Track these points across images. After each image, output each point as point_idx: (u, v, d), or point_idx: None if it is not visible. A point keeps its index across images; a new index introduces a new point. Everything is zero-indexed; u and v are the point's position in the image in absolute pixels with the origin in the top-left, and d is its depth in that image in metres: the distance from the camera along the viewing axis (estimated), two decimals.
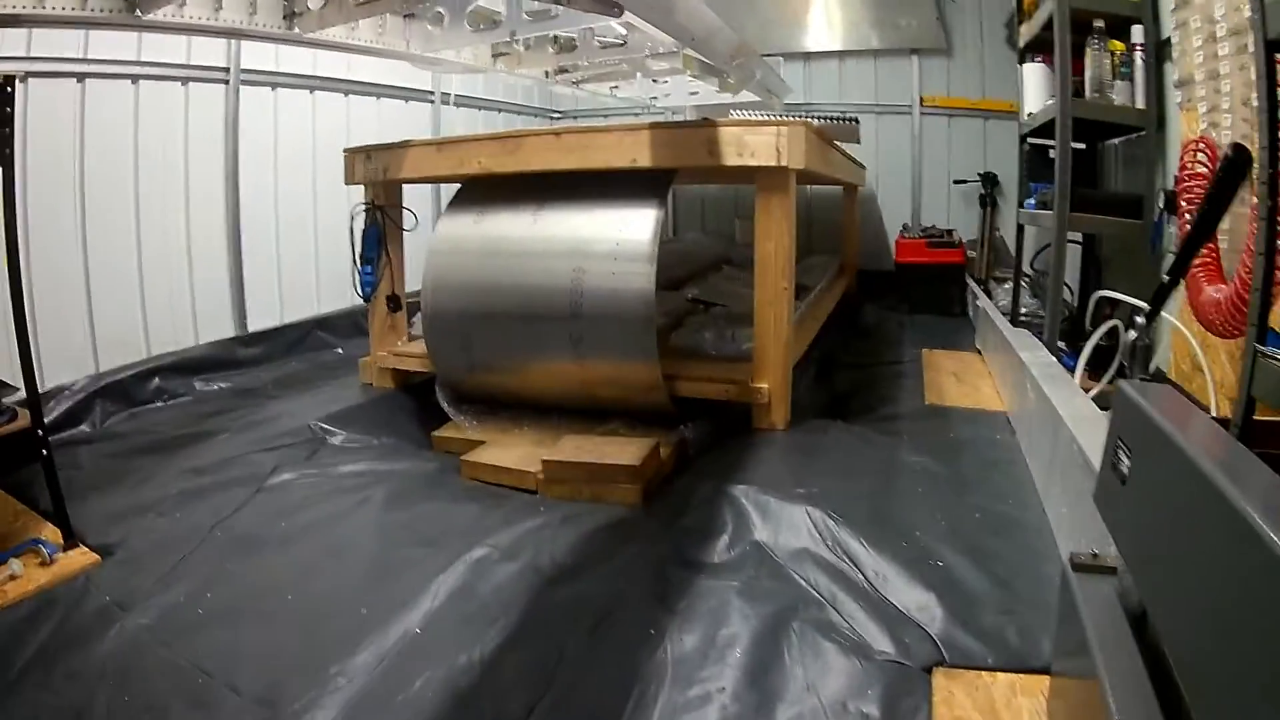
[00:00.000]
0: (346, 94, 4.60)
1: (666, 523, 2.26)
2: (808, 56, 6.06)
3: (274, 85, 4.14)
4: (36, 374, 2.31)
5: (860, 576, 1.87)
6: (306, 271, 4.38)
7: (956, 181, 5.64)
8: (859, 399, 3.29)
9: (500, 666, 1.67)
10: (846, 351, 4.13)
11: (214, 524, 2.40)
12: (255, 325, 4.11)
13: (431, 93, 5.26)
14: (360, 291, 3.47)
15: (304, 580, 2.09)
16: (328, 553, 2.23)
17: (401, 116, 5.04)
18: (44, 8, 2.14)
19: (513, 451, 2.71)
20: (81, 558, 2.36)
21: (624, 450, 2.48)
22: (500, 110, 5.98)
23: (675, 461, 2.66)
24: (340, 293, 4.30)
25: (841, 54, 5.98)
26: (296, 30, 2.61)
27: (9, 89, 2.11)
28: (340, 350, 4.31)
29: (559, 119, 6.70)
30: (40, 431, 2.31)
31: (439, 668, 1.67)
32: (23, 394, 2.40)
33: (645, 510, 2.39)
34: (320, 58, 4.22)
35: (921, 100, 5.81)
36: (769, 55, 5.41)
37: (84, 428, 3.26)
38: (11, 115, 2.12)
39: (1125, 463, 1.11)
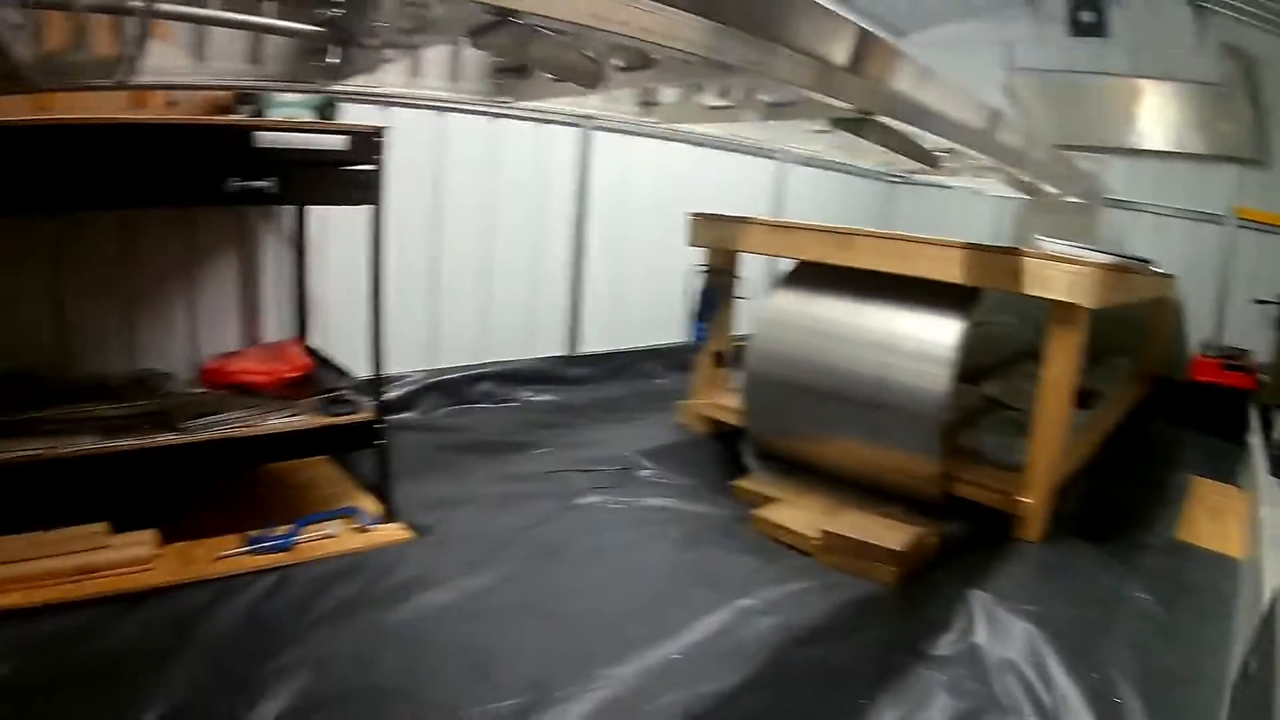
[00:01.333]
0: (695, 145, 5.00)
1: (909, 609, 2.56)
2: (1132, 153, 5.94)
3: (624, 132, 4.56)
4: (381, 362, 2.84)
5: (1046, 696, 2.14)
6: (638, 303, 4.80)
7: (1257, 301, 5.40)
8: (1117, 519, 3.41)
9: (736, 703, 2.03)
10: (1123, 464, 4.19)
11: (524, 528, 2.87)
12: (586, 348, 4.63)
13: (775, 152, 5.63)
14: (694, 341, 3.89)
15: (591, 593, 2.51)
16: (616, 574, 2.63)
17: (743, 172, 5.44)
18: (418, 87, 2.48)
19: (798, 515, 3.00)
20: (397, 532, 2.83)
21: (893, 534, 2.77)
22: (840, 172, 6.30)
23: (935, 553, 2.91)
24: (667, 327, 4.62)
25: (1163, 154, 5.82)
26: (650, 120, 2.94)
27: (378, 138, 2.68)
28: (660, 381, 4.73)
29: (897, 182, 7.00)
30: (379, 425, 2.83)
31: (685, 692, 2.04)
32: (361, 379, 3.01)
33: (898, 592, 2.67)
34: None
35: (1235, 211, 5.58)
36: (1094, 150, 5.47)
37: (413, 414, 3.85)
38: (380, 160, 2.67)
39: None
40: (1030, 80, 5.99)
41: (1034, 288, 2.96)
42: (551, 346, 4.55)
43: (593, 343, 4.70)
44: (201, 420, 2.65)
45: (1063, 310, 2.97)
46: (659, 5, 1.62)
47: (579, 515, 3.01)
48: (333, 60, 1.93)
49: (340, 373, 3.23)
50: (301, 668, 2.06)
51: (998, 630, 2.42)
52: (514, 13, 1.55)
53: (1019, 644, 2.36)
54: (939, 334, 3.05)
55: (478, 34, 1.75)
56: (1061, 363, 3.01)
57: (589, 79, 1.95)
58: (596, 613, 2.40)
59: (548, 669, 2.10)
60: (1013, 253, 3.04)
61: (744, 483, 3.31)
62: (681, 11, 1.68)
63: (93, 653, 2.16)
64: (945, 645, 2.37)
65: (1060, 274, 2.92)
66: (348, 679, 2.05)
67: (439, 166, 3.91)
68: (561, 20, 1.56)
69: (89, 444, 2.47)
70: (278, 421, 2.76)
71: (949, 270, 3.09)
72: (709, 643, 2.28)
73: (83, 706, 1.98)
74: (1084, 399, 3.69)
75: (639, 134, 4.67)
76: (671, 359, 4.81)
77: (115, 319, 3.20)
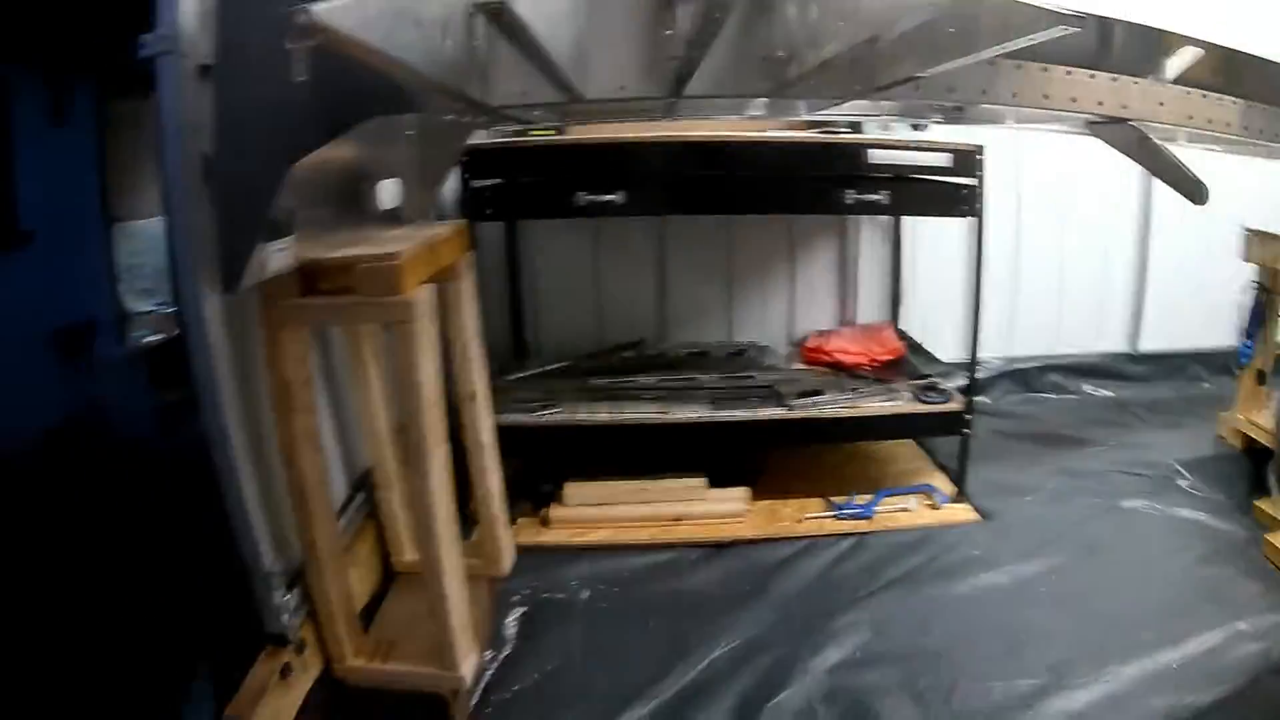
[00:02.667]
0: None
1: None
2: None
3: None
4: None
5: None
6: (1196, 304, 4.72)
7: None
8: None
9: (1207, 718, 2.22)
10: None
11: (1074, 523, 3.16)
12: (1145, 346, 4.74)
13: None
14: (1237, 361, 3.89)
15: (1117, 593, 2.76)
16: (1142, 579, 2.86)
17: None
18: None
19: None
20: (965, 513, 3.25)
21: None
22: None
23: None
24: (1219, 329, 4.51)
25: None
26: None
27: (979, 156, 3.02)
28: (1208, 385, 4.69)
29: None
30: (967, 415, 3.24)
31: (1171, 699, 2.26)
32: (947, 365, 3.47)
33: None
34: None
35: None
36: None
37: (985, 399, 4.29)
38: (980, 175, 3.02)
39: None
40: None
41: None
42: (1115, 343, 4.73)
43: (1151, 340, 4.78)
44: (807, 399, 3.25)
45: None
46: None
47: (1121, 517, 3.26)
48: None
49: (928, 357, 3.69)
50: (864, 625, 2.58)
51: None
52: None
53: None
54: None
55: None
56: None
57: None
58: (1118, 612, 2.66)
59: (1068, 657, 2.43)
60: None
61: (1264, 504, 3.31)
62: None
63: (673, 590, 2.79)
64: None
65: None
66: (901, 640, 2.53)
67: (1017, 175, 4.25)
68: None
69: (699, 412, 3.14)
70: (876, 405, 3.28)
71: None
72: (1201, 658, 2.45)
73: (658, 633, 2.56)
74: None
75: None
76: (1218, 364, 4.70)
77: (717, 297, 3.98)
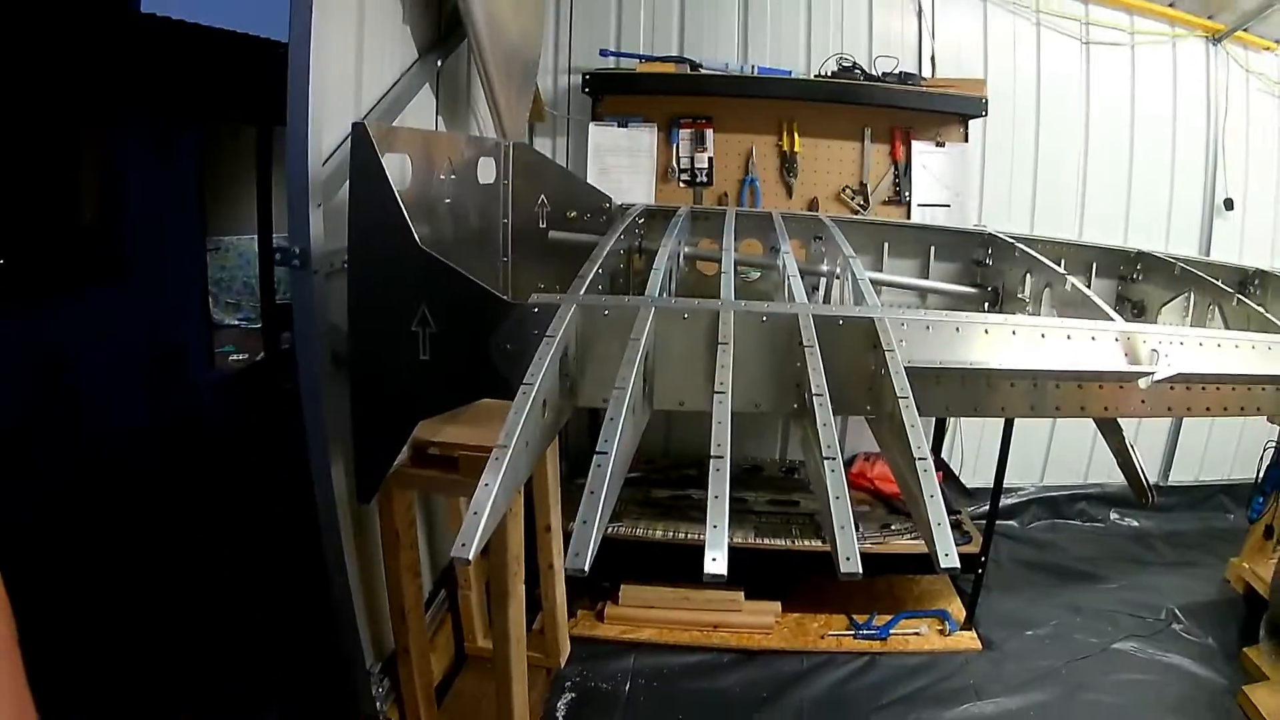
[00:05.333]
0: None
1: None
2: None
3: None
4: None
5: None
6: (1229, 438, 4.90)
7: None
8: None
9: None
10: None
11: (1066, 661, 3.46)
12: (1175, 478, 4.97)
13: None
14: (1249, 515, 4.12)
15: None
16: None
17: None
18: None
19: (1273, 701, 3.14)
20: (969, 641, 3.54)
21: None
22: None
23: None
24: (1248, 464, 4.54)
25: None
26: None
27: None
28: (1230, 516, 4.90)
29: None
30: (983, 557, 3.60)
31: None
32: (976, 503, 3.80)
33: None
34: None
35: None
36: None
37: (1013, 523, 4.66)
38: None
39: None
40: None
41: None
42: (1149, 472, 4.94)
43: (1182, 472, 4.99)
44: None
45: None
46: None
47: (1110, 660, 3.53)
48: None
49: (960, 489, 4.02)
50: None
51: None
52: None
53: None
54: None
55: None
56: None
57: None
58: None
59: None
60: None
61: (1251, 652, 3.52)
62: None
63: (704, 690, 3.19)
64: None
65: None
66: None
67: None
68: None
69: (744, 536, 3.56)
70: (903, 543, 3.66)
71: None
72: None
73: None
74: None
75: None
76: (1244, 496, 4.68)
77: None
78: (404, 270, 1.71)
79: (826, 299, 2.76)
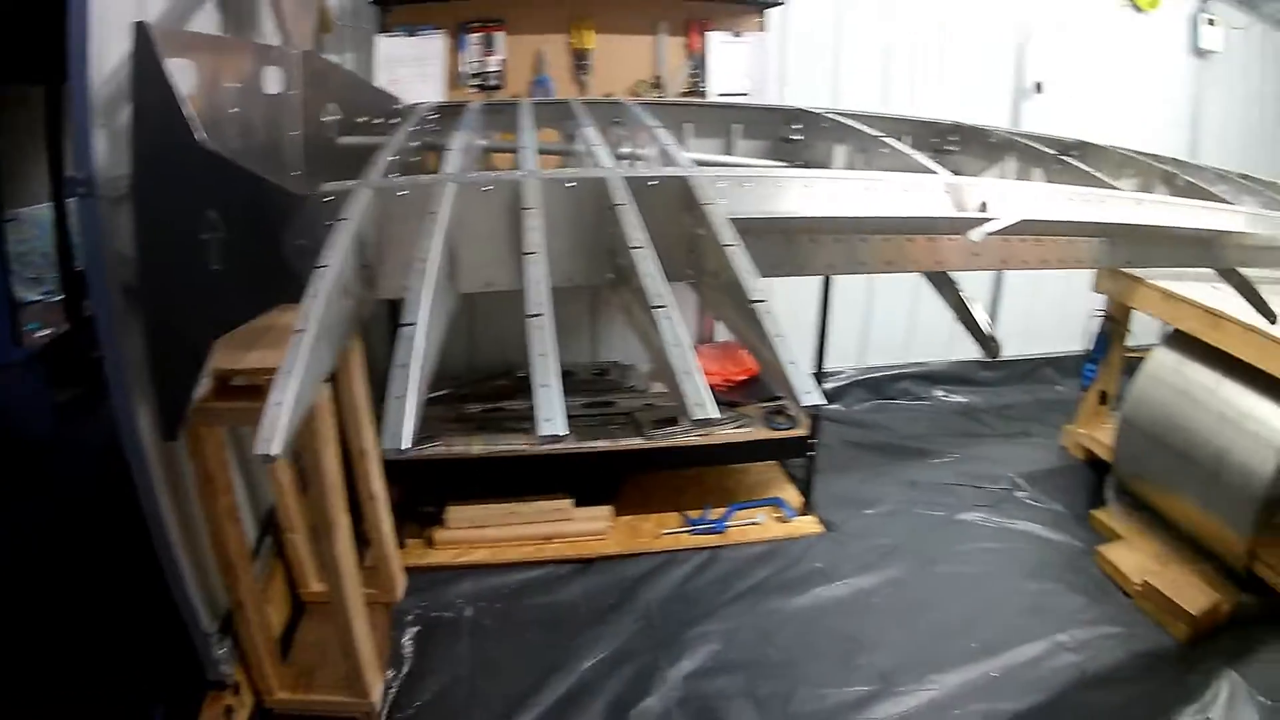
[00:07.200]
0: None
1: (1177, 672, 2.80)
2: None
3: None
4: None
5: None
6: (1051, 312, 5.01)
7: None
8: None
9: None
10: None
11: (911, 536, 3.47)
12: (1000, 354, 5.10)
13: None
14: (1081, 383, 4.22)
15: (947, 605, 3.08)
16: (971, 591, 3.16)
17: None
18: None
19: (1131, 557, 3.27)
20: (810, 526, 3.52)
21: (1193, 596, 2.98)
22: None
23: (1227, 620, 3.02)
24: (1072, 336, 4.95)
25: None
26: None
27: None
28: (1059, 388, 5.02)
29: None
30: (812, 439, 3.56)
31: (987, 706, 2.61)
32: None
33: (1181, 652, 2.90)
34: None
35: None
36: None
37: (838, 406, 4.65)
38: None
39: None
40: None
41: None
42: (969, 350, 5.04)
43: (1007, 348, 5.04)
44: (664, 431, 3.51)
45: None
46: None
47: (958, 530, 3.58)
48: None
49: None
50: (715, 636, 2.92)
51: (1232, 716, 2.59)
52: None
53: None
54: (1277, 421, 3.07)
55: None
56: None
57: None
58: (946, 624, 3.00)
59: (897, 665, 2.76)
60: None
61: (1100, 514, 3.62)
62: None
63: (547, 604, 3.08)
64: (1187, 716, 2.61)
65: None
66: (747, 650, 2.88)
67: None
68: None
69: (565, 442, 3.42)
70: (728, 433, 3.57)
71: None
72: (1020, 669, 2.80)
73: (535, 646, 2.86)
74: None
75: None
76: (1070, 367, 4.99)
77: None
78: (190, 173, 1.50)
79: None
